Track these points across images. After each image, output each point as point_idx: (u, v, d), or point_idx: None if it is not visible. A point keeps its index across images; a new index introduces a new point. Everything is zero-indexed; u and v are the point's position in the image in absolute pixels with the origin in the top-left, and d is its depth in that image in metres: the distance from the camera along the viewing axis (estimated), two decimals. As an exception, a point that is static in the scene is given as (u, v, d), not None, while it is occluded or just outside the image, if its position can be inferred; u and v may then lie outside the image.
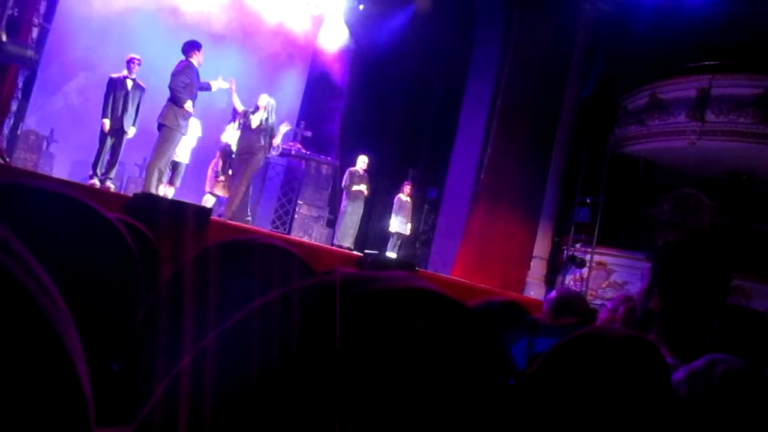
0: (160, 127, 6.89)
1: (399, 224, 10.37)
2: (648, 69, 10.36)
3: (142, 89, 8.03)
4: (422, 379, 0.51)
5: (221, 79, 7.74)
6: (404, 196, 10.60)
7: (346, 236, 9.72)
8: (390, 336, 0.50)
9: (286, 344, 0.49)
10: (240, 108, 8.10)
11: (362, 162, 9.91)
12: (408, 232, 10.54)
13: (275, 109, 8.16)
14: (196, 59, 7.16)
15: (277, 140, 8.04)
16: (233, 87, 8.04)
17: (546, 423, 0.78)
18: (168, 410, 0.50)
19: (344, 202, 9.90)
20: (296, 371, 0.48)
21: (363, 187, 9.74)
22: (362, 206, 9.94)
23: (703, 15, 9.62)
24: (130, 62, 7.97)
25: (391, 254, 10.00)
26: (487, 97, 11.58)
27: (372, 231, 13.52)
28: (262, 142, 7.79)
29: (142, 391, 0.78)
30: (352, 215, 9.77)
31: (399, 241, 10.51)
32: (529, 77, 10.65)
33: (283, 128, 8.15)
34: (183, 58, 7.20)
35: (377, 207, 13.66)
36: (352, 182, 9.73)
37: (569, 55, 10.89)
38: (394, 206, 10.59)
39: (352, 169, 9.92)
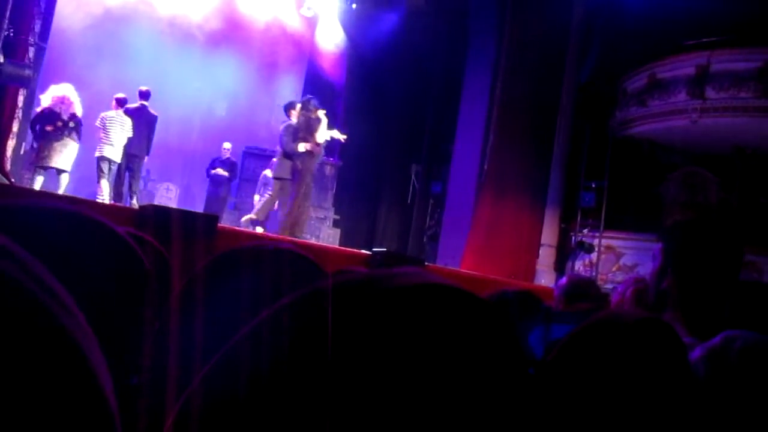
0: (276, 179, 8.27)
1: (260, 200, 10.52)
2: (646, 49, 10.31)
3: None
4: (443, 374, 0.51)
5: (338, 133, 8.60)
6: (270, 173, 10.66)
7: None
8: (408, 333, 0.50)
9: (300, 350, 0.49)
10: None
11: (225, 149, 10.97)
12: (275, 207, 10.70)
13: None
14: (294, 116, 8.16)
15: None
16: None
17: (568, 409, 0.77)
18: (184, 426, 0.50)
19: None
20: (311, 376, 0.48)
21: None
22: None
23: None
24: (148, 94, 8.92)
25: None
26: (485, 87, 11.54)
27: (381, 228, 13.53)
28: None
29: (161, 404, 0.78)
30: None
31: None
32: (526, 64, 10.61)
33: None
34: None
35: (382, 204, 13.67)
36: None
37: (566, 40, 10.84)
38: (259, 183, 10.69)
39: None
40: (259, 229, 8.22)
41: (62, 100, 7.88)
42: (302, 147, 7.87)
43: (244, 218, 8.51)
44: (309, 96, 8.43)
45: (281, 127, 8.38)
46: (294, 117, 8.26)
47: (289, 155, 8.05)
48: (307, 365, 0.48)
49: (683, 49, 9.81)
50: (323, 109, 8.25)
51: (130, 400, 0.77)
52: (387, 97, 13.13)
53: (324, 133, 8.16)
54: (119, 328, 0.75)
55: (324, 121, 8.16)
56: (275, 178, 8.47)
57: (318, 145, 8.08)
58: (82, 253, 0.72)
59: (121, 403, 0.40)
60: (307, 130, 7.97)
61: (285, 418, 0.46)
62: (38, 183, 7.91)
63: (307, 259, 1.12)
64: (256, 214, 8.35)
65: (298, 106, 8.35)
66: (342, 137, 8.68)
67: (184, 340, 0.97)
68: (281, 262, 1.04)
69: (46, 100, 7.96)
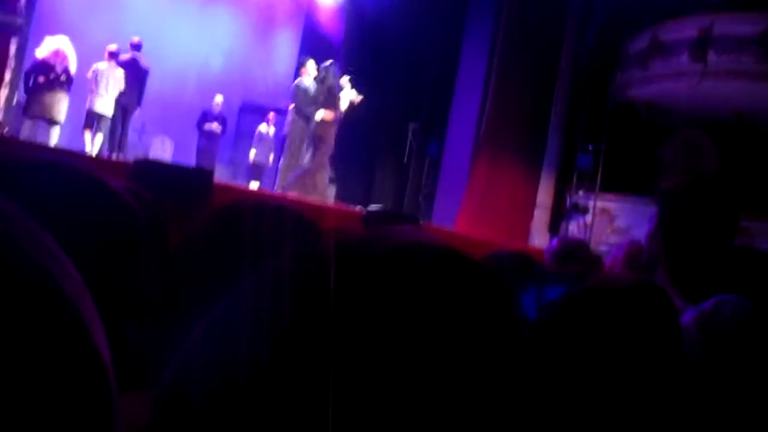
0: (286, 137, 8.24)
1: (256, 155, 10.59)
2: (649, 11, 10.16)
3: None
4: (436, 337, 0.51)
5: (356, 94, 8.55)
6: (265, 128, 10.73)
7: None
8: (399, 295, 0.50)
9: (301, 311, 0.49)
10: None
11: (216, 103, 10.47)
12: (270, 163, 10.72)
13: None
14: (306, 75, 8.13)
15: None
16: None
17: (562, 372, 0.79)
18: (184, 378, 0.51)
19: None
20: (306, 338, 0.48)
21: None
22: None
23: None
24: (140, 46, 8.88)
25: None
26: (485, 47, 11.40)
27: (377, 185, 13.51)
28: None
29: (154, 358, 0.78)
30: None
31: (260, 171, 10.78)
32: (528, 25, 10.46)
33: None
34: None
35: (378, 162, 13.61)
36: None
37: (567, 1, 10.68)
38: (255, 138, 10.72)
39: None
40: (255, 184, 8.22)
41: (57, 53, 7.78)
42: (320, 115, 7.74)
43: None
44: (331, 61, 8.24)
45: (293, 86, 8.24)
46: (306, 76, 8.10)
47: (304, 116, 7.92)
48: (307, 327, 0.48)
49: (687, 11, 9.68)
50: (347, 74, 8.15)
51: (125, 355, 0.77)
52: (386, 53, 12.95)
53: (347, 97, 8.09)
54: (114, 285, 0.75)
55: (347, 86, 8.06)
56: (287, 136, 8.34)
57: (339, 112, 8.01)
58: (76, 207, 0.71)
59: (116, 359, 0.40)
60: (327, 97, 7.83)
61: (283, 380, 0.47)
62: (25, 133, 7.88)
63: (302, 216, 1.12)
64: (283, 183, 8.28)
65: (311, 63, 8.18)
66: (358, 98, 8.58)
67: (181, 296, 0.97)
68: (278, 219, 1.04)
69: (41, 52, 7.85)
